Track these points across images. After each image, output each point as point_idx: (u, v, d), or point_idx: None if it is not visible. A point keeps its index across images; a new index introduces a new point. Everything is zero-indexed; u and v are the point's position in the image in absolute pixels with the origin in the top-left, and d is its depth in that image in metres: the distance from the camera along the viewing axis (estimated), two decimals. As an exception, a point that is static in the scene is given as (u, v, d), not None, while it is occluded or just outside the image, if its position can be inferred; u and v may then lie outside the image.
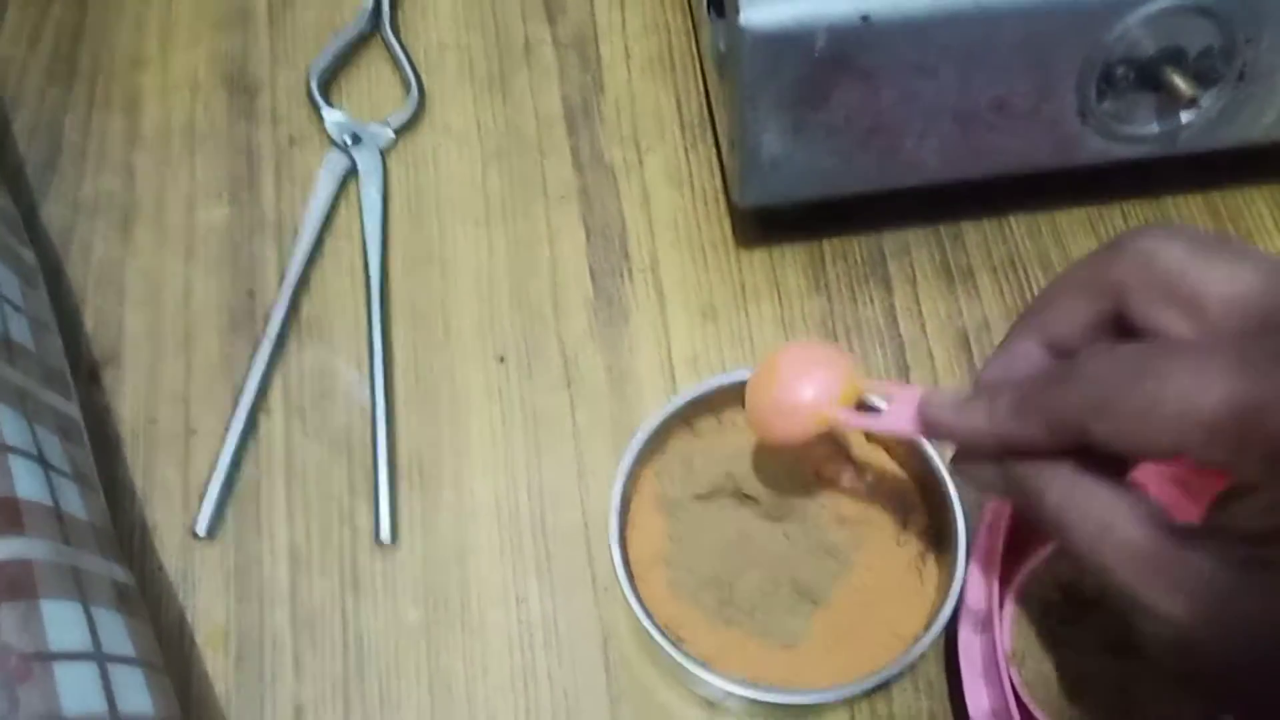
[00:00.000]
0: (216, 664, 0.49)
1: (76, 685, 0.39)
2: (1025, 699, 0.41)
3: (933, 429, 0.36)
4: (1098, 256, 0.33)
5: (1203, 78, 0.50)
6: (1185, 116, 0.52)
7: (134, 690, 0.41)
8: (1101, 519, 0.30)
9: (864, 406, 0.43)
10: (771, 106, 0.49)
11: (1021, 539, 0.50)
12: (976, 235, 0.59)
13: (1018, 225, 0.59)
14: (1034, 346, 0.35)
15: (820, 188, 0.53)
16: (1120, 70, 0.49)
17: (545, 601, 0.51)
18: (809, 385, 0.41)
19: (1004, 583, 0.44)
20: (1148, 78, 0.49)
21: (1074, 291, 0.34)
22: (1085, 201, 0.60)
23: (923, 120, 0.50)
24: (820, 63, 0.47)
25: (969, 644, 0.45)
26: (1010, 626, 0.43)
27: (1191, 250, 0.31)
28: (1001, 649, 0.42)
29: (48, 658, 0.38)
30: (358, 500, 0.53)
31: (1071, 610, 0.44)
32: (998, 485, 0.34)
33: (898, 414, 0.38)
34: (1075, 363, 0.31)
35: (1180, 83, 0.49)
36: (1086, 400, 0.30)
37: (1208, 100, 0.51)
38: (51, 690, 0.38)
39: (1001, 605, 0.43)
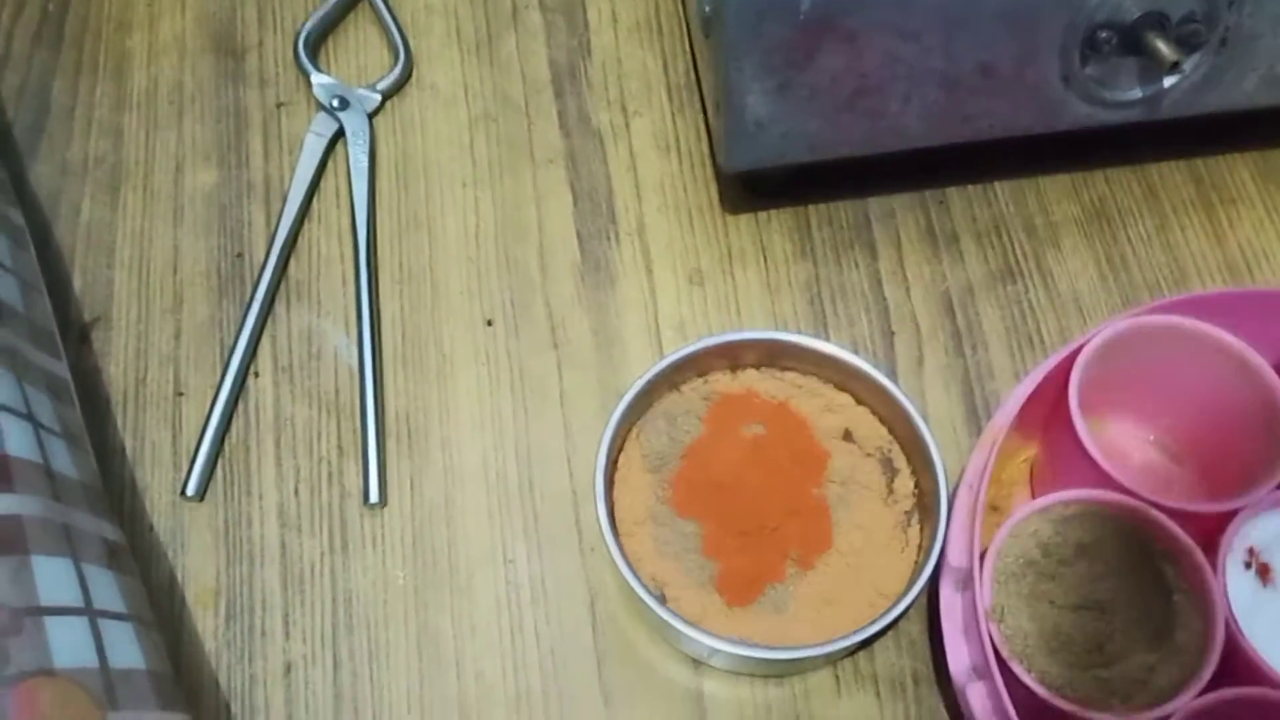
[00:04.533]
0: (206, 622, 0.50)
1: (68, 639, 0.39)
2: (1004, 654, 0.42)
3: None
4: None
5: (1185, 43, 0.50)
6: (1168, 82, 0.52)
7: (125, 644, 0.41)
8: None
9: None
10: (756, 68, 0.49)
11: (1001, 498, 0.51)
12: (961, 200, 0.59)
13: (1002, 190, 0.59)
14: None
15: (805, 152, 0.53)
16: (1103, 35, 0.49)
17: (533, 561, 0.51)
18: None
19: (984, 541, 0.44)
20: (1131, 43, 0.50)
21: None
22: (1069, 167, 0.60)
23: (907, 84, 0.50)
24: (805, 24, 0.47)
25: (950, 602, 0.45)
26: (990, 583, 0.43)
27: None
28: (981, 605, 0.42)
29: (39, 612, 0.39)
30: (346, 461, 0.53)
31: (1050, 567, 0.44)
32: None
33: None
34: None
35: (1163, 48, 0.49)
36: None
37: (1190, 65, 0.51)
38: (43, 644, 0.38)
39: (981, 563, 0.43)
